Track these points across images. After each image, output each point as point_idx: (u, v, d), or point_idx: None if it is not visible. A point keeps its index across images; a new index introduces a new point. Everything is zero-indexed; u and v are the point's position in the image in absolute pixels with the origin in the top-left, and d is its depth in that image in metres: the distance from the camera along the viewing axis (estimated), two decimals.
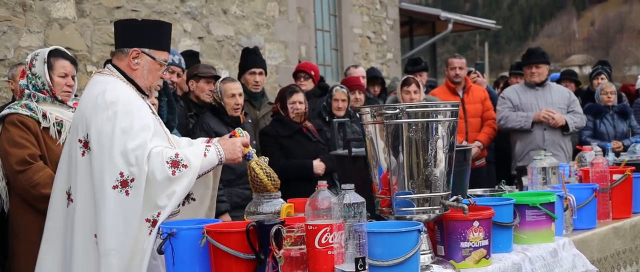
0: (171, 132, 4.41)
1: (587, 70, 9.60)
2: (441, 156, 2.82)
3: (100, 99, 3.12)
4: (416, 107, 2.81)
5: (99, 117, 3.08)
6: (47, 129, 3.79)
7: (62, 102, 3.88)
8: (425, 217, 2.85)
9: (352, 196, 2.54)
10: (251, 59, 6.10)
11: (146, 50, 3.28)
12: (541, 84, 6.82)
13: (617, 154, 5.70)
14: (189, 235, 2.76)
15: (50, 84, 3.83)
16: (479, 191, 3.79)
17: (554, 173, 3.88)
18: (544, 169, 3.86)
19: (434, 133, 2.79)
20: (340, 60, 12.18)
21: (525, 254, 3.13)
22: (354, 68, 7.97)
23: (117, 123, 3.06)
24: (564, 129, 6.65)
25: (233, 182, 5.17)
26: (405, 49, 15.78)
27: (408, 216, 2.83)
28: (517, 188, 4.34)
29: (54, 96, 3.85)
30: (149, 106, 3.35)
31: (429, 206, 2.84)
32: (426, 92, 7.30)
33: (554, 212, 3.34)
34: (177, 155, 3.08)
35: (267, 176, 3.28)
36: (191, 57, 6.16)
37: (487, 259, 2.93)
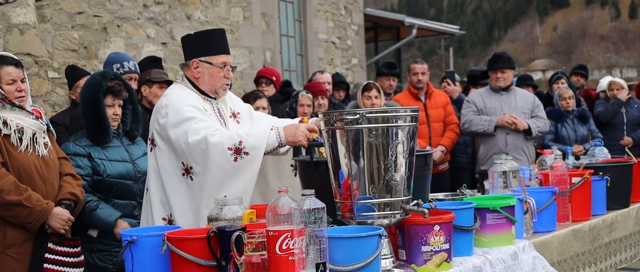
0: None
1: (550, 74, 9.72)
2: (401, 160, 2.83)
3: (158, 104, 3.70)
4: (376, 112, 2.82)
5: (155, 118, 3.66)
6: (8, 136, 3.73)
7: (21, 108, 3.82)
8: (386, 221, 2.86)
9: (312, 202, 2.54)
10: None
11: (203, 58, 3.70)
12: (506, 89, 6.89)
13: (577, 158, 5.78)
14: (149, 242, 2.74)
15: (2, 93, 3.77)
16: (440, 195, 3.82)
17: (514, 177, 3.92)
18: (504, 172, 3.91)
19: (394, 138, 2.81)
20: (305, 65, 12.20)
21: (486, 257, 3.16)
22: (320, 74, 7.99)
23: (169, 122, 3.54)
24: (527, 133, 6.73)
25: None
26: (370, 54, 15.84)
27: (369, 221, 2.85)
28: (479, 192, 4.38)
29: (12, 102, 3.79)
30: (218, 108, 3.76)
31: (390, 210, 2.85)
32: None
33: (514, 215, 3.38)
34: (240, 142, 3.43)
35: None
36: (154, 62, 6.11)
37: (448, 262, 2.95)
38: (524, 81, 8.80)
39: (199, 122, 3.51)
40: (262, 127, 3.59)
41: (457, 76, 8.43)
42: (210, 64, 3.69)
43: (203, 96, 3.73)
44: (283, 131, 3.53)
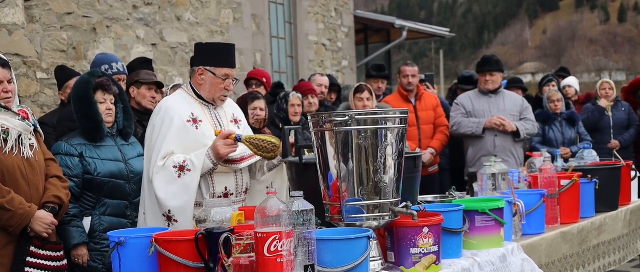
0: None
1: (540, 77, 9.72)
2: (391, 162, 2.83)
3: (155, 109, 4.04)
4: (365, 114, 2.81)
5: (150, 120, 4.01)
6: None
7: (7, 109, 3.79)
8: (375, 223, 2.85)
9: (301, 203, 2.54)
10: None
11: (208, 67, 3.95)
12: (495, 92, 6.91)
13: (566, 160, 5.79)
14: (137, 244, 2.73)
15: None
16: (429, 198, 3.82)
17: (503, 179, 3.92)
18: (493, 175, 3.91)
19: (383, 140, 2.80)
20: (296, 67, 12.19)
21: (475, 259, 3.16)
22: (320, 76, 8.00)
23: (154, 131, 3.89)
24: (516, 135, 6.75)
25: None
26: (360, 56, 15.84)
27: (358, 223, 2.84)
28: (468, 194, 4.38)
29: None
30: (216, 114, 4.04)
31: (379, 212, 2.85)
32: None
33: (503, 217, 3.38)
34: (184, 161, 3.77)
35: (257, 148, 3.77)
36: (144, 64, 6.09)
37: (437, 264, 2.95)
38: (513, 84, 8.82)
39: (166, 141, 3.83)
40: (202, 151, 3.87)
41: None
42: (214, 74, 3.93)
43: (201, 102, 4.01)
44: (211, 152, 3.81)
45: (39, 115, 5.72)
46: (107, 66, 5.45)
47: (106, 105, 4.30)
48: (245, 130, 4.16)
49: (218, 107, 4.07)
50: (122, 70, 5.51)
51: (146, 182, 3.94)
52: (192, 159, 3.78)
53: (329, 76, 8.74)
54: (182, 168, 3.76)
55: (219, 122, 4.03)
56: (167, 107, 3.93)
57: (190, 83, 4.08)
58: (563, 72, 10.24)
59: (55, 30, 7.32)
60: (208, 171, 3.83)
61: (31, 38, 7.06)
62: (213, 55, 3.98)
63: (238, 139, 3.77)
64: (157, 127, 3.89)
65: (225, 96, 4.05)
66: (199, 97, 4.01)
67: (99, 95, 4.28)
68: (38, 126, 3.98)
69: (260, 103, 5.81)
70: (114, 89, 4.35)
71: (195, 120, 3.93)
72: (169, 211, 3.76)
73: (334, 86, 8.32)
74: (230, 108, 4.19)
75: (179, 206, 3.75)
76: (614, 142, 8.21)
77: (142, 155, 4.51)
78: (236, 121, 4.16)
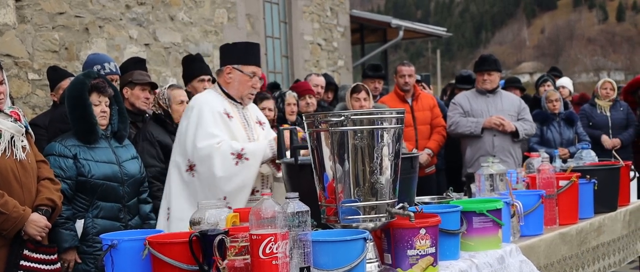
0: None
1: (538, 77, 9.72)
2: (387, 163, 2.79)
3: (187, 106, 4.29)
4: (361, 114, 2.77)
5: (182, 118, 4.24)
6: None
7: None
8: (371, 225, 2.82)
9: (296, 205, 2.50)
10: (198, 66, 6.02)
11: (236, 66, 4.16)
12: (492, 91, 6.89)
13: (565, 161, 5.76)
14: (130, 246, 2.69)
15: None
16: (426, 199, 3.78)
17: (501, 180, 3.89)
18: (491, 175, 3.87)
19: (380, 140, 2.76)
20: (291, 67, 12.16)
21: (473, 261, 3.12)
22: (315, 76, 7.98)
23: (190, 123, 4.08)
24: (514, 135, 6.72)
25: None
26: (356, 56, 15.82)
27: (354, 224, 2.80)
28: (466, 195, 4.34)
29: None
30: (243, 113, 4.24)
31: (375, 213, 2.81)
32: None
33: (501, 218, 3.34)
34: (242, 149, 3.97)
35: None
36: (138, 63, 6.04)
37: (434, 266, 2.91)
38: (511, 84, 8.80)
39: (210, 125, 4.02)
40: (262, 141, 4.11)
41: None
42: (241, 72, 4.14)
43: (230, 101, 4.21)
44: (274, 143, 3.99)
45: (30, 117, 5.68)
46: (99, 66, 5.39)
47: (101, 108, 4.26)
48: (269, 133, 4.32)
49: (245, 107, 4.26)
50: (114, 70, 5.46)
51: (174, 176, 4.10)
52: (250, 148, 3.99)
53: (326, 75, 8.72)
54: (239, 156, 3.95)
55: (246, 121, 4.23)
56: (202, 101, 4.14)
57: (217, 83, 4.25)
58: (556, 72, 10.22)
59: (46, 30, 7.27)
60: (267, 159, 4.03)
61: (22, 38, 7.01)
62: (239, 54, 4.16)
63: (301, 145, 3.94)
64: (196, 116, 4.05)
65: (253, 94, 4.24)
66: (228, 96, 4.20)
67: (94, 97, 4.24)
68: (29, 127, 3.93)
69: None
70: (109, 91, 4.31)
71: (228, 115, 4.13)
72: (224, 198, 3.89)
73: (330, 85, 8.30)
74: (254, 111, 4.40)
75: (233, 191, 3.94)
76: (615, 141, 8.18)
77: (136, 157, 4.48)
78: (260, 123, 4.36)
